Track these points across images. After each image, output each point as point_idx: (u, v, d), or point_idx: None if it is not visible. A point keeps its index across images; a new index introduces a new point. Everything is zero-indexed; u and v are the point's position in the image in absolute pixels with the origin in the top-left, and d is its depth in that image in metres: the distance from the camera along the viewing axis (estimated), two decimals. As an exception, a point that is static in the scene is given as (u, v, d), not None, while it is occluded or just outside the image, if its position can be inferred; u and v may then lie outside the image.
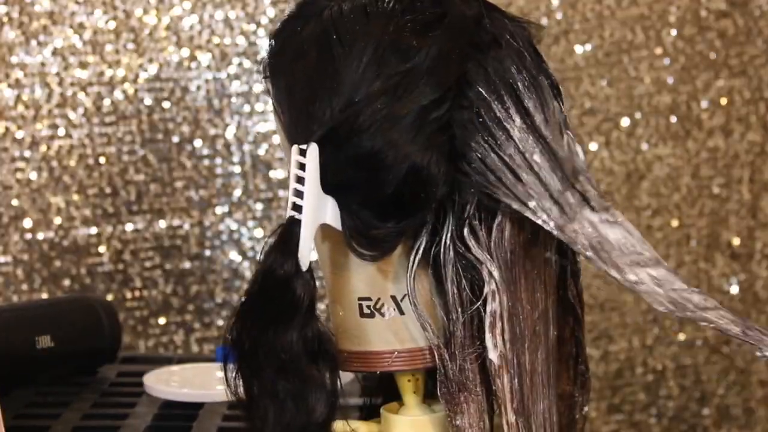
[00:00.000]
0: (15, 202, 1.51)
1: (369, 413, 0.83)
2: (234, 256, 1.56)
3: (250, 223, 1.56)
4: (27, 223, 1.52)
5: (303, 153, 0.72)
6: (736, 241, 1.67)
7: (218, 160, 1.56)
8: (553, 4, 1.61)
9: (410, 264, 0.73)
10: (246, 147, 1.56)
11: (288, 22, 0.77)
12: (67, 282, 1.53)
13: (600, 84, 1.63)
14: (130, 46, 1.53)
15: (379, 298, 0.75)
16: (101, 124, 1.53)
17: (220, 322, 1.56)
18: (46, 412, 1.03)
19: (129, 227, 1.54)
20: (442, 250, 0.73)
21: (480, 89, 0.72)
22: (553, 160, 0.72)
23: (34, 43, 1.51)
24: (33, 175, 1.52)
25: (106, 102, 1.53)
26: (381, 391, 0.83)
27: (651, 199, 1.64)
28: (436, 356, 0.74)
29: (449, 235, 0.73)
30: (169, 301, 1.55)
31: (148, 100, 1.54)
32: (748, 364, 1.67)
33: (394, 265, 0.74)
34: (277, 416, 0.73)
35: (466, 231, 0.73)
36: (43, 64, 1.51)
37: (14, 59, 1.51)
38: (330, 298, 0.77)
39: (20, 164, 1.51)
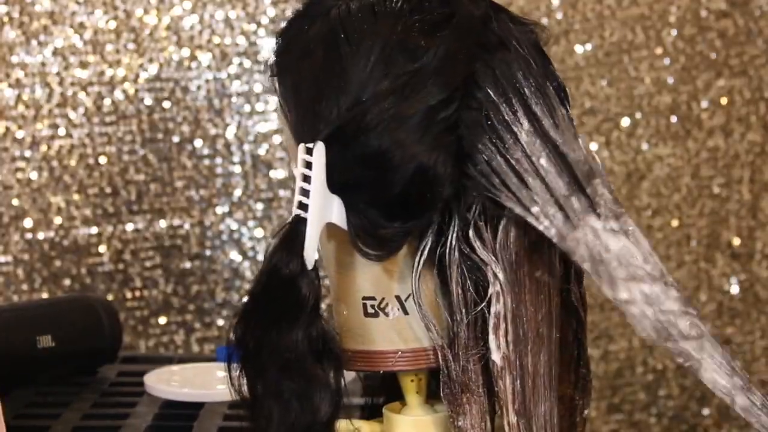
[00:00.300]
0: (15, 202, 1.51)
1: (371, 413, 0.83)
2: (234, 256, 1.56)
3: (251, 223, 1.56)
4: (27, 222, 1.52)
5: (310, 152, 0.72)
6: (736, 241, 1.67)
7: (218, 160, 1.56)
8: (553, 4, 1.61)
9: (415, 264, 0.73)
10: (246, 147, 1.56)
11: (295, 20, 0.77)
12: (67, 282, 1.53)
13: (600, 84, 1.63)
14: (131, 45, 1.53)
15: (383, 298, 0.75)
16: (101, 124, 1.53)
17: (221, 322, 1.56)
18: (46, 412, 1.03)
19: (129, 227, 1.54)
20: (447, 250, 0.73)
21: (489, 91, 0.72)
22: (560, 165, 0.71)
23: (34, 42, 1.51)
24: (33, 175, 1.52)
25: (107, 102, 1.53)
26: (383, 391, 0.83)
27: (651, 199, 1.64)
28: (440, 357, 0.74)
29: (455, 235, 0.73)
30: (169, 300, 1.55)
31: (148, 100, 1.54)
32: (748, 364, 1.67)
33: (399, 265, 0.74)
34: (281, 416, 0.73)
35: (471, 232, 0.73)
36: (43, 64, 1.51)
37: (14, 59, 1.51)
38: (334, 297, 0.77)
39: (20, 164, 1.51)
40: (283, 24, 0.78)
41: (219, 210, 1.56)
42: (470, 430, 0.74)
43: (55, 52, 1.51)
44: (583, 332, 0.80)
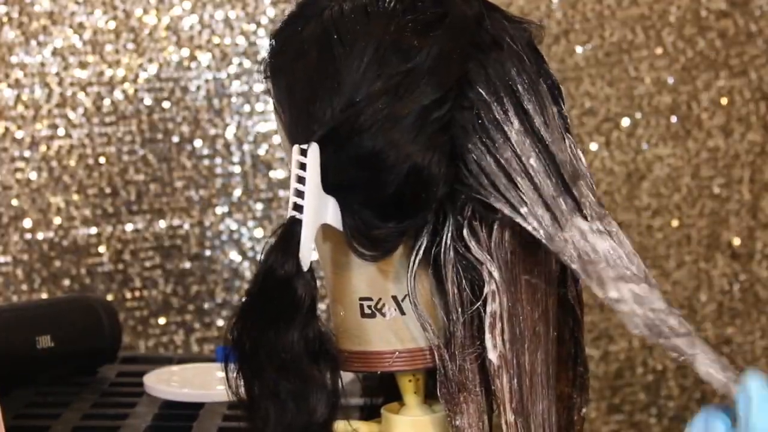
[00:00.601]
0: (15, 202, 1.51)
1: (370, 413, 0.83)
2: (234, 256, 1.56)
3: (250, 223, 1.56)
4: (27, 223, 1.52)
5: (304, 153, 0.72)
6: (736, 241, 1.67)
7: (218, 160, 1.56)
8: (553, 4, 1.61)
9: (411, 264, 0.73)
10: (246, 147, 1.56)
11: (289, 21, 0.77)
12: (67, 282, 1.53)
13: (600, 84, 1.63)
14: (130, 46, 1.53)
15: (380, 299, 0.75)
16: (101, 124, 1.53)
17: (220, 322, 1.56)
18: (46, 412, 1.03)
19: (129, 227, 1.54)
20: (442, 250, 0.73)
21: (480, 90, 0.72)
22: (549, 165, 0.72)
23: (34, 43, 1.51)
24: (33, 175, 1.52)
25: (106, 102, 1.53)
26: (382, 391, 0.83)
27: (651, 199, 1.64)
28: (436, 356, 0.74)
29: (450, 235, 0.73)
30: (169, 301, 1.55)
31: (148, 100, 1.54)
32: (748, 364, 1.67)
33: (394, 265, 0.74)
34: (278, 416, 0.73)
35: (466, 231, 0.73)
36: (43, 64, 1.51)
37: (14, 59, 1.51)
38: (331, 297, 0.77)
39: (20, 164, 1.51)
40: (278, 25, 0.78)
41: (219, 210, 1.56)
42: (468, 430, 0.74)
43: (54, 53, 1.51)
44: (579, 330, 0.80)
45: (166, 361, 1.21)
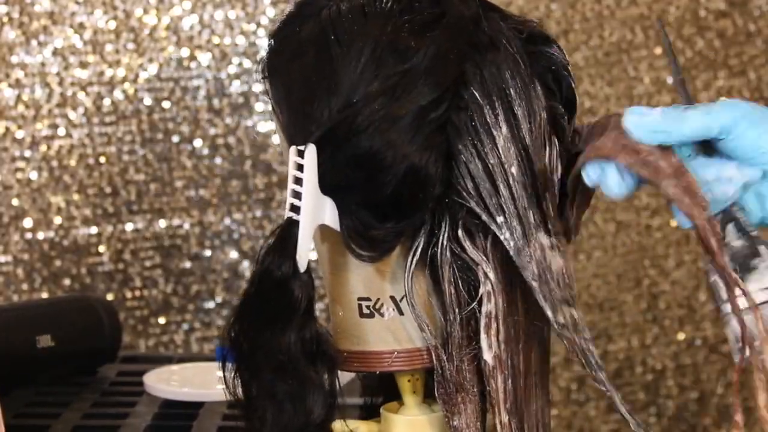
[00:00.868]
0: (15, 202, 1.51)
1: (369, 413, 0.83)
2: (234, 255, 1.57)
3: (250, 223, 1.57)
4: (27, 222, 1.52)
5: (301, 154, 0.72)
6: (735, 241, 1.67)
7: (218, 160, 1.56)
8: (552, 4, 1.61)
9: (407, 264, 0.73)
10: (246, 147, 1.56)
11: (287, 21, 0.76)
12: (67, 282, 1.53)
13: (599, 84, 1.63)
14: (130, 46, 1.53)
15: (378, 299, 0.75)
16: (101, 124, 1.53)
17: (220, 322, 1.56)
18: (46, 411, 1.03)
19: (129, 227, 1.54)
20: (439, 250, 0.73)
21: (475, 92, 0.72)
22: (528, 174, 0.72)
23: (34, 43, 1.51)
24: (33, 175, 1.52)
25: (106, 102, 1.53)
26: (381, 391, 0.83)
27: (651, 199, 1.64)
28: (434, 357, 0.74)
29: (446, 236, 0.73)
30: (169, 300, 1.56)
31: (148, 100, 1.54)
32: (747, 364, 1.67)
33: (392, 265, 0.74)
34: (275, 417, 0.73)
35: (461, 232, 0.73)
36: (43, 64, 1.52)
37: (14, 59, 1.51)
38: (330, 298, 0.77)
39: (20, 164, 1.51)
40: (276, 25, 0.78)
41: (218, 210, 1.56)
42: (465, 430, 0.74)
43: (54, 53, 1.52)
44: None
45: (166, 361, 1.21)
